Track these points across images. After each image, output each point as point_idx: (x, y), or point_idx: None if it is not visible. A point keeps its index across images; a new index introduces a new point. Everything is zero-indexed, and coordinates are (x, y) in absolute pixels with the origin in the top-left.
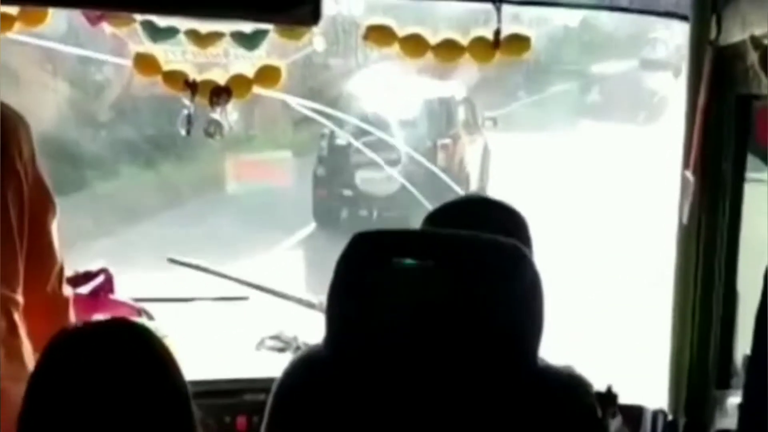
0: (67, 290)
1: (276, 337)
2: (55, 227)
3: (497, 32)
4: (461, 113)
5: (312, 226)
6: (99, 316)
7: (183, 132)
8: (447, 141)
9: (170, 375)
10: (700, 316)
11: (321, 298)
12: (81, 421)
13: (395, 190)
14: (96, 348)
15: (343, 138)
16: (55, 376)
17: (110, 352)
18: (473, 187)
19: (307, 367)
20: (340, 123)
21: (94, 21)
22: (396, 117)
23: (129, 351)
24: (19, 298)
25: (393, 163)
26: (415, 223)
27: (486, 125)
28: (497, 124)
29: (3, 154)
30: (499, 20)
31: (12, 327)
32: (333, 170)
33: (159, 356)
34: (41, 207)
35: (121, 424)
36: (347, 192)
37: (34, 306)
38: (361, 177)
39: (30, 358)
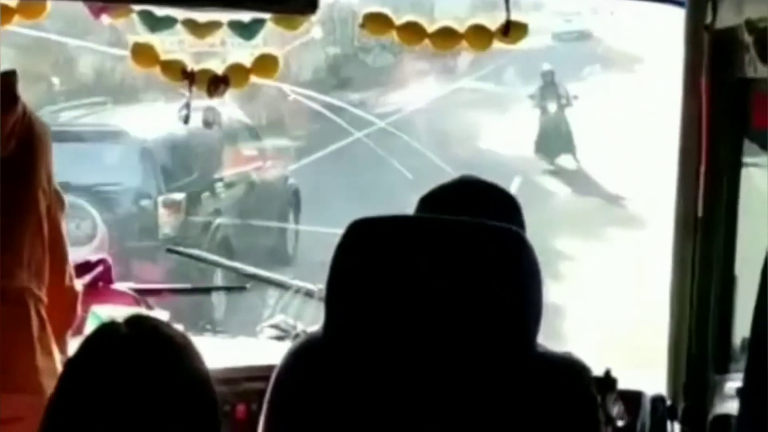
0: (78, 284)
1: (275, 326)
2: (65, 223)
3: (507, 22)
4: (229, 151)
5: None
6: (98, 306)
7: (181, 121)
8: (177, 196)
9: (198, 370)
10: (698, 301)
11: (320, 286)
12: (113, 413)
13: None
14: (135, 347)
15: None
16: (91, 373)
17: (145, 352)
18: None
19: (307, 355)
20: None
21: (96, 13)
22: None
23: (162, 350)
24: (44, 296)
25: (87, 239)
26: None
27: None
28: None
29: (36, 159)
30: (507, 8)
31: (42, 324)
32: None
33: (188, 353)
34: (56, 205)
35: (153, 415)
36: None
37: (52, 300)
38: None
39: (56, 352)
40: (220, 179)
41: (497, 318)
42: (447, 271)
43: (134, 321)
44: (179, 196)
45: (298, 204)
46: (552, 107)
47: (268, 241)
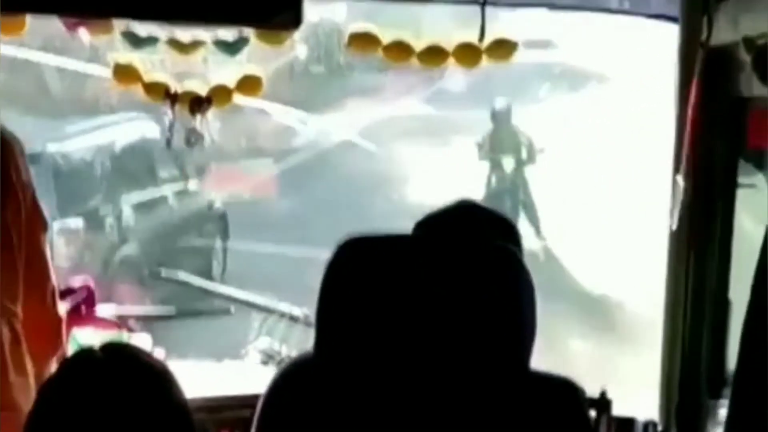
0: (62, 310)
1: (262, 351)
2: (47, 245)
3: (482, 30)
4: (142, 171)
5: None
6: (81, 331)
7: (164, 143)
8: (74, 223)
9: (174, 396)
10: (692, 325)
11: (305, 310)
12: None
13: None
14: (109, 373)
15: None
16: (64, 398)
17: (119, 378)
18: None
19: (298, 377)
20: None
21: (71, 27)
22: None
23: (137, 376)
24: (19, 311)
25: None
26: None
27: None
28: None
29: (5, 172)
30: (482, 18)
31: (16, 338)
32: None
33: (164, 380)
34: (36, 225)
35: None
36: None
37: (31, 322)
38: None
39: (30, 370)
40: (131, 203)
41: (491, 337)
42: (440, 290)
43: (110, 347)
44: (77, 222)
45: (226, 229)
46: (508, 163)
47: (188, 268)
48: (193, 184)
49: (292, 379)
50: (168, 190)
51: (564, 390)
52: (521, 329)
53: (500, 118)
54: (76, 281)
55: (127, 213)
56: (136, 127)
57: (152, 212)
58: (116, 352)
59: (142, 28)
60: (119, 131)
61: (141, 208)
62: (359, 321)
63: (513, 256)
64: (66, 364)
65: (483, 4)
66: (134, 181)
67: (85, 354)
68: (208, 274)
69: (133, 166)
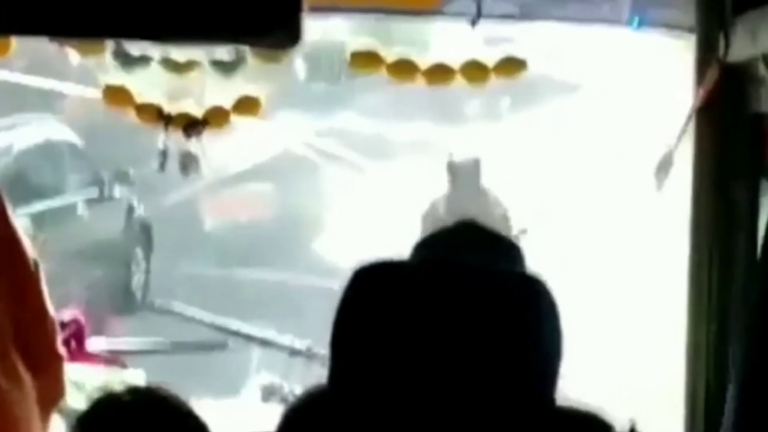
0: (61, 348)
1: (267, 387)
2: (44, 283)
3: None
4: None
5: None
6: (72, 367)
7: (156, 167)
8: None
9: None
10: (716, 353)
11: (307, 342)
12: None
13: None
14: (140, 417)
15: None
16: None
17: (151, 421)
18: None
19: (313, 411)
20: None
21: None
22: None
23: (168, 420)
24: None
25: None
26: None
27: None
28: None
29: None
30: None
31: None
32: None
33: (195, 422)
34: (26, 265)
35: None
36: None
37: (33, 362)
38: None
39: (27, 379)
40: (29, 214)
41: (513, 371)
42: (461, 321)
43: (136, 390)
44: None
45: (150, 240)
46: None
47: (101, 285)
48: (111, 191)
49: (307, 414)
50: (79, 197)
51: (593, 426)
52: (545, 362)
53: (462, 177)
54: (66, 315)
55: (26, 224)
56: (40, 129)
57: (60, 222)
58: (143, 395)
59: (135, 48)
60: (19, 134)
61: (45, 218)
62: (376, 353)
63: (538, 284)
64: (94, 409)
65: (474, 23)
66: (37, 188)
67: (112, 399)
68: (126, 287)
69: (35, 171)
